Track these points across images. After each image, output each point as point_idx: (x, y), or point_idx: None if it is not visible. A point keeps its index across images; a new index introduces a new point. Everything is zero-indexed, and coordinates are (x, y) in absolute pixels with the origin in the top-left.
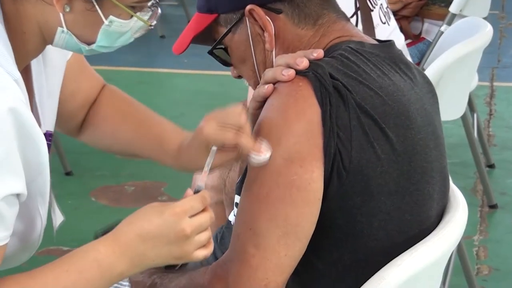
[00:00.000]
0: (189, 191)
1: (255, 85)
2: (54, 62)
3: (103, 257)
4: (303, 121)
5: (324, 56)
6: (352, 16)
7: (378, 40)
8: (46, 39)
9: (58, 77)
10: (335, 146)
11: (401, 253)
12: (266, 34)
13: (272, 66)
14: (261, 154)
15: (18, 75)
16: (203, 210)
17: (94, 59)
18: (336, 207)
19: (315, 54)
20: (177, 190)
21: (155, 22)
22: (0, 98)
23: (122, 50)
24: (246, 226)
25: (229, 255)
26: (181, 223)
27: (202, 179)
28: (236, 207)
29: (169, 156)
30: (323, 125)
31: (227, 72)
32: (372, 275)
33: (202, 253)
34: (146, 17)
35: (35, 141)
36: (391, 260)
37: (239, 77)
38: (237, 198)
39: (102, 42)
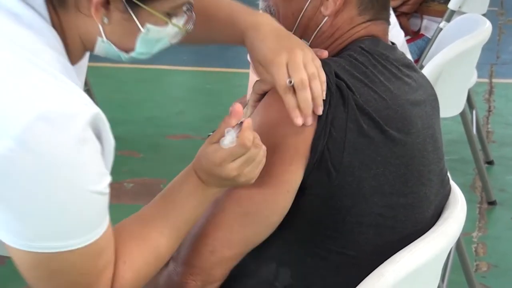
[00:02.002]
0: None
1: (284, 26)
2: (81, 61)
3: (196, 191)
4: None
5: (337, 54)
6: None
7: None
8: (87, 48)
9: (84, 74)
10: (323, 144)
11: (395, 251)
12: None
13: (314, 30)
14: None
15: (81, 84)
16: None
17: (96, 55)
18: (326, 206)
19: (319, 54)
20: None
21: (191, 26)
22: (86, 108)
23: None
24: (214, 201)
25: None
26: (226, 170)
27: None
28: None
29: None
30: (317, 123)
31: (226, 69)
32: (366, 272)
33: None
34: (181, 22)
35: (110, 145)
36: (385, 257)
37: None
38: None
39: (141, 49)
